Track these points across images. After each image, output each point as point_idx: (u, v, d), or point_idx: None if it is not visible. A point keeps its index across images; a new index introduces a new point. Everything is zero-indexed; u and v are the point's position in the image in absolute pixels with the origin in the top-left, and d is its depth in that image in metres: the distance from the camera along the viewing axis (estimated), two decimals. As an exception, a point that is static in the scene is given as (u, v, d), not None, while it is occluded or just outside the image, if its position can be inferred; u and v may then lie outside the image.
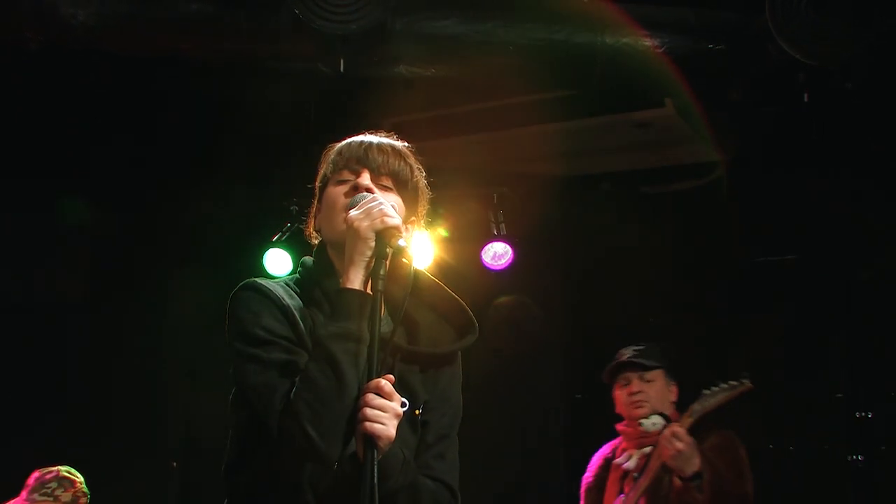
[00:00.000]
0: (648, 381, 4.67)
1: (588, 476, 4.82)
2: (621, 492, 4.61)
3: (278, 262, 6.23)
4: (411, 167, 2.66)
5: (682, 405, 4.59)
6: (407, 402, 2.45)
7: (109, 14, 4.55)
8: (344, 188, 2.58)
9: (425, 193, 2.71)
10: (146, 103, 5.53)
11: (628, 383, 4.70)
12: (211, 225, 6.42)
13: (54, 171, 6.34)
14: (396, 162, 2.62)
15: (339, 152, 2.65)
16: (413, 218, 2.69)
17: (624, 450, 4.71)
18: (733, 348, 6.34)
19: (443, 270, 6.69)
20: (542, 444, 6.93)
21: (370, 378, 2.35)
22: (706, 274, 6.59)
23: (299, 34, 4.49)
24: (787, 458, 6.24)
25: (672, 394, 4.70)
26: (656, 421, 4.50)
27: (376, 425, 2.30)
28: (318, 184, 2.70)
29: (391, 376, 2.38)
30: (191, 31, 4.56)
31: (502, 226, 6.37)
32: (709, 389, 4.42)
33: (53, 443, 6.10)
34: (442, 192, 6.57)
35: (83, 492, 5.07)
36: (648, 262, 6.45)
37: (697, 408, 4.40)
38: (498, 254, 6.43)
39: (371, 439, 2.29)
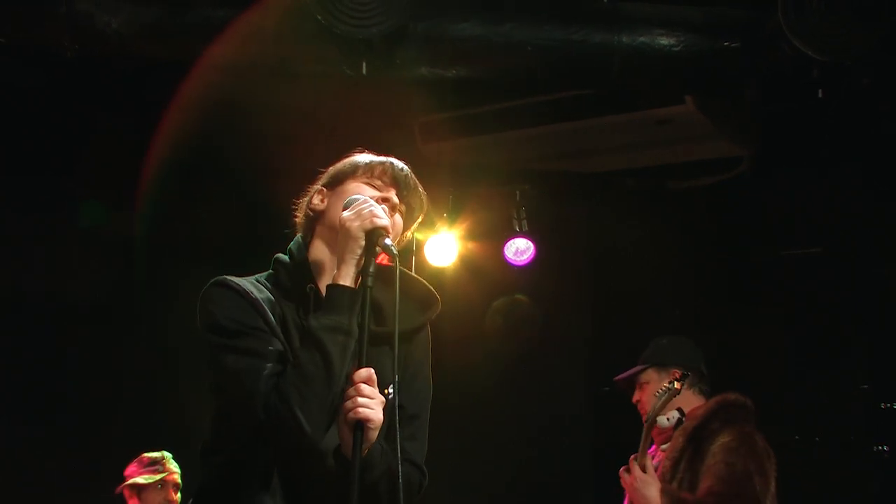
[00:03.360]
0: (642, 386, 4.63)
1: None
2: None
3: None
4: (422, 203, 2.85)
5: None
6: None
7: (141, 21, 4.69)
8: (375, 193, 2.74)
9: (416, 224, 2.91)
10: (166, 106, 5.63)
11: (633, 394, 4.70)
12: (237, 225, 6.49)
13: (76, 173, 6.43)
14: (416, 198, 2.82)
15: (381, 164, 2.81)
16: (400, 237, 2.84)
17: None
18: (758, 341, 6.40)
19: (466, 266, 6.84)
20: (567, 437, 7.00)
21: (359, 367, 2.50)
22: (730, 267, 6.65)
23: (322, 38, 4.61)
24: (812, 450, 6.27)
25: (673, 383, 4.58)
26: (671, 416, 4.41)
27: (368, 411, 2.45)
28: (335, 171, 2.85)
29: (372, 370, 2.52)
30: (218, 36, 4.70)
31: (524, 222, 6.50)
32: (657, 392, 4.39)
33: (78, 442, 6.24)
34: (466, 190, 6.74)
35: None
36: (671, 256, 6.55)
37: (649, 415, 4.35)
38: (520, 249, 6.56)
39: (362, 423, 2.44)
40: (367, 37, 4.56)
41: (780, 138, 6.14)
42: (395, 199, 2.75)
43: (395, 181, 2.78)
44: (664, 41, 4.88)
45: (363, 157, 2.84)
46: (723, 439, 4.33)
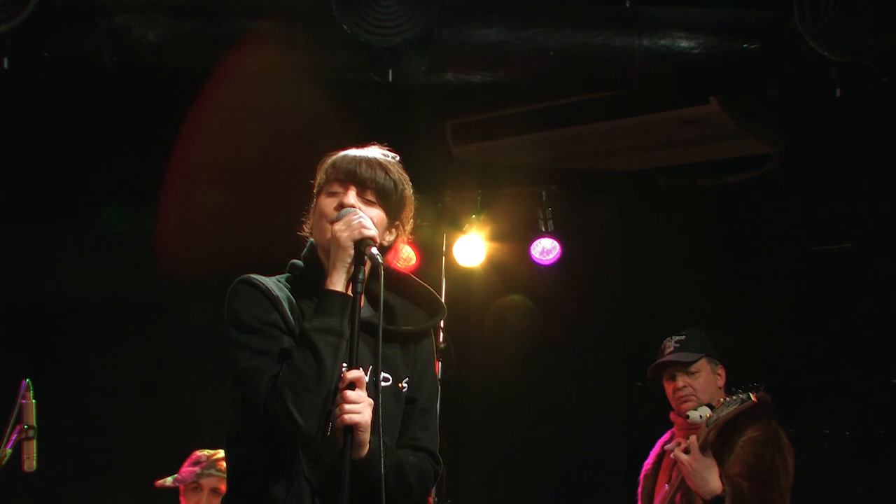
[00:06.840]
0: (693, 374, 4.67)
1: (647, 462, 4.89)
2: (669, 480, 4.67)
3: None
4: (395, 181, 2.93)
5: (730, 387, 4.57)
6: (390, 377, 2.79)
7: (177, 33, 4.86)
8: (333, 201, 2.87)
9: (411, 201, 2.99)
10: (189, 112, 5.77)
11: (673, 378, 4.71)
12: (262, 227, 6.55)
13: (91, 179, 6.51)
14: (382, 176, 2.90)
15: (333, 164, 2.93)
16: (397, 223, 2.97)
17: (674, 436, 4.76)
18: (788, 337, 6.45)
19: (493, 266, 6.94)
20: (601, 434, 7.06)
21: (349, 369, 2.68)
22: (760, 264, 6.69)
23: (350, 47, 4.75)
24: (843, 443, 6.29)
25: (720, 378, 4.72)
26: (703, 412, 4.47)
27: (356, 416, 2.63)
28: (314, 188, 2.99)
29: (362, 373, 2.69)
30: (251, 46, 4.86)
31: (550, 222, 6.60)
32: (724, 399, 4.38)
33: (104, 444, 6.28)
34: (492, 191, 6.84)
35: None
36: (698, 253, 6.61)
37: (713, 418, 4.35)
38: (546, 249, 6.66)
39: (351, 427, 2.63)
40: (392, 45, 4.70)
41: (805, 135, 6.19)
42: (350, 199, 2.84)
43: (349, 175, 2.88)
44: (684, 44, 4.96)
45: (329, 160, 2.95)
46: (751, 433, 4.46)
